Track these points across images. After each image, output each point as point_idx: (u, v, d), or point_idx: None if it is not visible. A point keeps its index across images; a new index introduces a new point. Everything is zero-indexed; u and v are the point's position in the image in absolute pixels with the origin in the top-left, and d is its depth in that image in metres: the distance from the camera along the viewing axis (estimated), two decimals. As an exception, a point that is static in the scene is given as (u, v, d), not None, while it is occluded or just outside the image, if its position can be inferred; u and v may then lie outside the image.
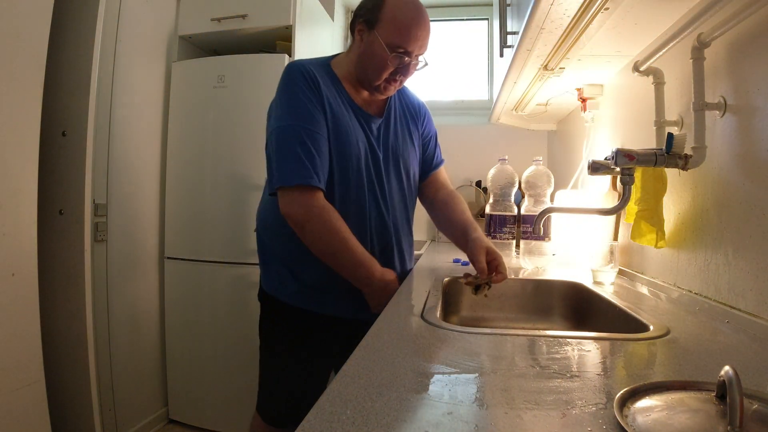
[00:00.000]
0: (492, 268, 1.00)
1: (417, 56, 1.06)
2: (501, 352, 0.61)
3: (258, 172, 1.87)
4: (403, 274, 1.20)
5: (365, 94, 1.13)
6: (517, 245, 1.44)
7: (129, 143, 1.89)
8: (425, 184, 1.28)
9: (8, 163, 1.22)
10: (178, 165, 2.02)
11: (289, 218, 0.98)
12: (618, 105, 1.37)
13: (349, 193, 1.07)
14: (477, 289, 1.01)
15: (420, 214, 2.63)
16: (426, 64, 1.11)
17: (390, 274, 1.05)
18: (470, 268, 1.06)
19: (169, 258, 2.07)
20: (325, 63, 1.13)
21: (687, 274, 0.93)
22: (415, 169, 1.22)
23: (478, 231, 1.09)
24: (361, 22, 1.06)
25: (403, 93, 1.24)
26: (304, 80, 1.03)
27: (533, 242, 1.36)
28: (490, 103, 2.54)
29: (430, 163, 1.28)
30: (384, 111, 1.17)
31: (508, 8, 1.38)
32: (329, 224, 0.98)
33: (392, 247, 1.16)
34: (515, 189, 1.41)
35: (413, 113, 1.24)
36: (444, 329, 0.69)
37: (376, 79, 1.06)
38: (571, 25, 1.04)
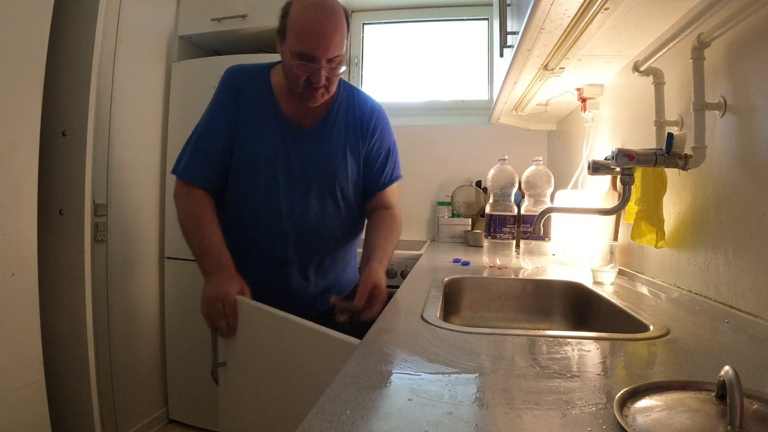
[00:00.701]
0: (369, 300, 0.93)
1: (329, 60, 0.99)
2: (501, 352, 0.61)
3: (258, 172, 1.86)
4: (317, 295, 1.17)
5: (300, 104, 1.08)
6: (517, 245, 1.44)
7: (129, 143, 1.89)
8: (369, 202, 1.20)
9: (8, 163, 1.22)
10: (178, 165, 2.02)
11: (174, 200, 1.10)
12: (618, 105, 1.37)
13: (257, 200, 1.10)
14: (341, 313, 0.92)
15: (420, 214, 2.64)
16: (345, 69, 1.05)
17: (227, 286, 0.94)
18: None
19: (169, 258, 2.07)
20: (264, 69, 1.13)
21: (687, 274, 0.93)
22: (345, 185, 1.14)
23: (382, 262, 1.03)
24: (277, 32, 1.04)
25: (357, 102, 1.17)
26: (225, 88, 1.11)
27: (533, 242, 1.36)
28: (490, 103, 2.54)
29: (376, 181, 1.19)
30: (318, 121, 1.12)
31: (508, 8, 1.38)
32: (191, 209, 1.06)
33: (290, 263, 1.12)
34: (515, 189, 1.41)
35: (360, 127, 1.16)
36: (444, 329, 0.69)
37: (295, 88, 1.03)
38: (571, 25, 1.03)
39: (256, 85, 1.10)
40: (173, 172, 1.11)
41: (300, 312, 0.86)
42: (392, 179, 1.23)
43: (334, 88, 1.08)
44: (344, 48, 1.03)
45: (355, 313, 0.92)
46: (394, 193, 1.24)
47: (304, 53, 0.97)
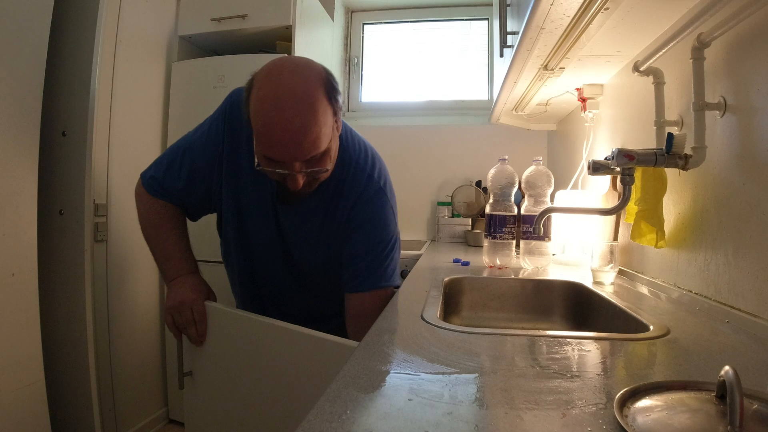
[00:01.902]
0: None
1: (306, 161, 0.79)
2: (501, 352, 0.61)
3: (258, 172, 1.87)
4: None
5: None
6: (517, 245, 1.44)
7: (129, 143, 1.89)
8: (346, 297, 0.99)
9: (8, 163, 1.22)
10: (178, 165, 2.03)
11: (135, 198, 1.03)
12: (618, 105, 1.37)
13: (243, 255, 1.04)
14: None
15: (420, 214, 2.63)
16: (327, 170, 0.85)
17: (194, 292, 0.91)
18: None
19: (169, 258, 2.07)
20: None
21: (687, 274, 0.93)
22: (317, 268, 1.02)
23: None
24: (245, 114, 0.83)
25: (344, 196, 0.95)
26: (223, 120, 0.96)
27: (533, 242, 1.36)
28: (490, 103, 2.54)
29: (348, 277, 0.97)
30: (300, 199, 0.96)
31: (508, 8, 1.38)
32: (148, 213, 0.99)
33: (274, 315, 1.03)
34: (515, 189, 1.41)
35: (340, 213, 0.96)
36: (444, 329, 0.69)
37: (276, 182, 0.88)
38: (571, 26, 1.04)
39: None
40: (143, 173, 1.01)
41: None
42: (372, 285, 0.96)
43: (324, 178, 0.89)
44: (328, 139, 0.80)
45: None
46: (374, 302, 0.95)
47: (267, 156, 0.79)
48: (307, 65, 0.81)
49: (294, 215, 0.97)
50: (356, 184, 0.95)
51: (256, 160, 0.83)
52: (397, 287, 1.01)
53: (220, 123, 0.96)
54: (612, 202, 1.30)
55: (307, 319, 1.04)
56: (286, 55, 1.03)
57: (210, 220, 1.15)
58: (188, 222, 1.06)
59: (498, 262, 1.38)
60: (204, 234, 1.24)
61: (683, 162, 0.87)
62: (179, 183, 0.98)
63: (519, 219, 1.40)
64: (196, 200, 1.01)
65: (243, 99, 0.82)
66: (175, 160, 0.98)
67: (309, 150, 0.78)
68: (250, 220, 1.00)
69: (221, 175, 0.98)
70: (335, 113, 0.83)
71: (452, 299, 1.15)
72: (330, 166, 0.85)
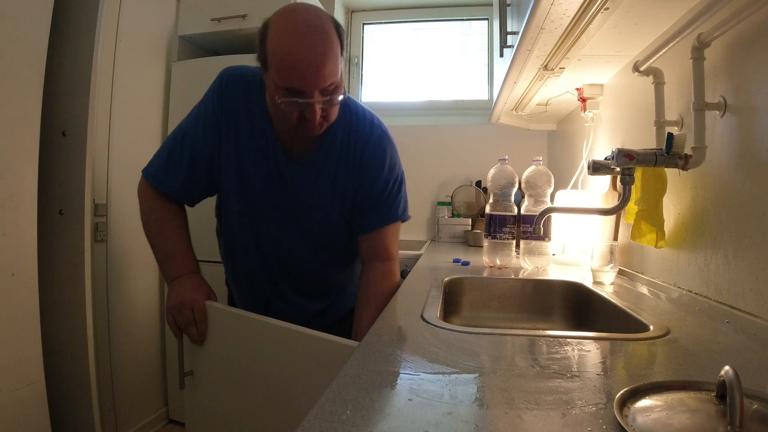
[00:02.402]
0: None
1: (322, 91, 0.84)
2: (501, 352, 0.61)
3: (258, 172, 1.87)
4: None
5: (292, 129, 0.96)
6: (517, 245, 1.44)
7: (129, 143, 1.89)
8: (359, 243, 1.05)
9: (8, 163, 1.22)
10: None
11: (138, 195, 1.02)
12: (618, 105, 1.37)
13: (243, 225, 1.03)
14: None
15: (420, 214, 2.63)
16: (344, 96, 0.91)
17: (195, 292, 0.91)
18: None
19: (169, 258, 2.07)
20: (260, 79, 0.97)
21: (687, 274, 0.93)
22: (328, 224, 1.04)
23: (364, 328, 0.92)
24: (257, 58, 0.89)
25: (355, 128, 1.01)
26: (215, 97, 0.98)
27: (533, 242, 1.36)
28: (490, 103, 2.54)
29: (361, 221, 1.03)
30: (310, 150, 0.99)
31: (508, 8, 1.38)
32: (151, 210, 0.99)
33: (278, 291, 1.06)
34: (515, 189, 1.41)
35: (353, 160, 1.00)
36: (444, 329, 0.69)
37: (288, 123, 0.89)
38: (571, 25, 1.04)
39: (249, 99, 0.98)
40: (144, 169, 1.01)
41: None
42: (384, 221, 1.03)
43: (335, 116, 0.93)
44: (339, 71, 0.87)
45: None
46: (388, 238, 1.04)
47: (290, 89, 0.83)
48: (317, 7, 0.90)
49: (304, 172, 0.99)
50: (362, 131, 1.01)
51: (274, 96, 0.86)
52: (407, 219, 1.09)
53: (216, 98, 0.99)
54: (612, 202, 1.30)
55: (317, 291, 1.10)
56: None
57: (210, 220, 1.15)
58: (188, 222, 1.06)
59: (498, 262, 1.38)
60: (204, 234, 1.23)
61: (683, 162, 0.87)
62: (182, 167, 0.98)
63: (519, 219, 1.40)
64: (200, 182, 1.01)
65: (257, 45, 0.87)
66: (175, 147, 0.99)
67: (328, 77, 0.83)
68: (255, 186, 0.99)
69: (221, 149, 0.98)
70: (341, 53, 0.88)
71: (452, 299, 1.15)
72: (342, 94, 0.90)
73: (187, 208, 1.06)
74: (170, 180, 0.98)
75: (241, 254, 1.07)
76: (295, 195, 1.00)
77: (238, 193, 1.00)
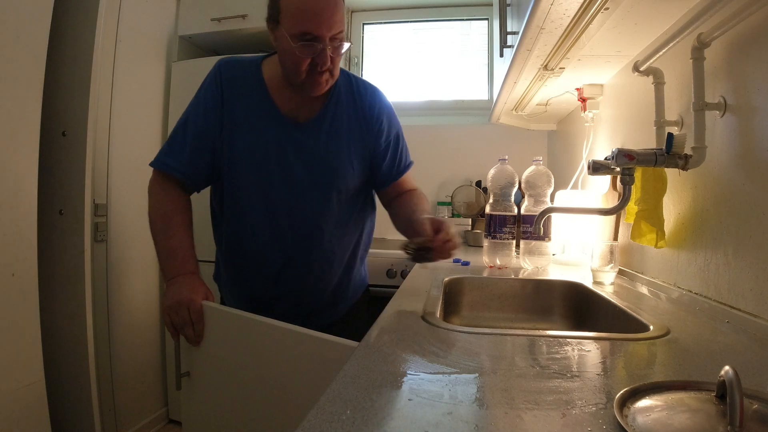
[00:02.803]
0: (437, 236, 0.89)
1: (331, 38, 0.91)
2: (501, 352, 0.61)
3: (258, 172, 1.87)
4: (327, 300, 1.13)
5: (296, 96, 1.02)
6: (517, 245, 1.44)
7: (129, 143, 1.89)
8: (385, 193, 1.16)
9: (8, 163, 1.22)
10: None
11: (148, 191, 1.05)
12: (618, 105, 1.37)
13: (252, 200, 1.04)
14: (416, 255, 0.88)
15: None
16: (350, 44, 0.99)
17: (192, 293, 0.91)
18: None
19: (169, 258, 2.07)
20: (255, 62, 1.06)
21: (687, 274, 0.93)
22: (347, 182, 1.07)
23: (426, 212, 1.01)
24: (268, 19, 0.96)
25: (357, 89, 1.09)
26: (213, 79, 1.04)
27: (533, 242, 1.36)
28: (490, 103, 2.54)
29: (388, 173, 1.13)
30: (316, 113, 1.04)
31: (508, 8, 1.38)
32: (163, 206, 1.01)
33: (288, 266, 1.07)
34: (515, 189, 1.41)
35: (364, 117, 1.08)
36: (444, 329, 0.69)
37: (296, 76, 0.95)
38: (571, 25, 1.04)
39: (247, 77, 1.04)
40: (151, 162, 1.04)
41: (306, 323, 0.82)
42: (406, 166, 1.17)
43: (337, 72, 1.00)
44: (345, 22, 0.95)
45: (430, 248, 0.87)
46: (410, 178, 1.19)
47: (305, 33, 0.89)
48: None
49: (314, 134, 1.04)
50: (366, 86, 1.11)
51: (287, 46, 0.92)
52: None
53: (213, 82, 1.04)
54: (612, 202, 1.30)
55: (327, 264, 1.10)
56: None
57: (209, 219, 1.15)
58: (192, 222, 1.06)
59: (498, 262, 1.38)
60: (204, 234, 1.23)
61: (683, 162, 0.87)
62: (185, 149, 1.02)
63: (519, 219, 1.40)
64: (204, 163, 1.04)
65: (267, 4, 0.95)
66: (177, 134, 1.04)
67: (338, 23, 0.91)
68: (266, 154, 1.02)
69: (223, 128, 1.02)
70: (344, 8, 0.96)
71: (452, 299, 1.15)
72: (347, 43, 0.96)
73: (207, 209, 1.10)
74: (174, 161, 1.02)
75: (250, 231, 1.06)
76: (307, 158, 1.04)
77: (247, 168, 1.03)
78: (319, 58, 0.92)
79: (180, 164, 1.02)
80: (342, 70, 1.07)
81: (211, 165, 1.04)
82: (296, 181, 1.04)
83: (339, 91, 1.06)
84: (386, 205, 1.18)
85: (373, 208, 1.21)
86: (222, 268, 1.16)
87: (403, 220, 1.06)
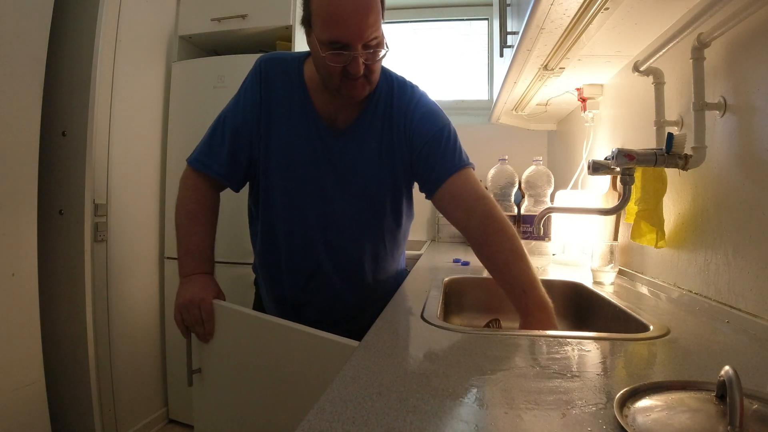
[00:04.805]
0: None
1: (365, 45, 0.86)
2: (501, 352, 0.61)
3: (258, 172, 1.87)
4: (363, 314, 1.05)
5: (334, 100, 0.98)
6: (517, 245, 1.44)
7: (129, 143, 1.89)
8: (438, 198, 1.00)
9: (8, 163, 1.22)
10: (178, 165, 2.02)
11: (179, 183, 1.04)
12: (618, 105, 1.37)
13: (289, 204, 1.01)
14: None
15: (420, 214, 2.63)
16: (387, 51, 0.91)
17: (203, 292, 0.91)
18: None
19: (169, 258, 2.07)
20: (297, 59, 1.02)
21: (687, 274, 0.93)
22: (385, 189, 1.03)
23: (544, 301, 0.83)
24: (302, 22, 0.92)
25: (396, 91, 1.02)
26: (254, 77, 1.01)
27: (533, 242, 1.36)
28: (490, 103, 2.54)
29: (429, 174, 1.00)
30: (353, 119, 1.00)
31: (508, 8, 1.38)
32: (187, 200, 1.01)
33: (323, 272, 1.03)
34: (515, 189, 1.41)
35: (396, 127, 1.01)
36: (444, 329, 0.69)
37: (331, 83, 0.91)
38: (571, 25, 1.04)
39: (288, 77, 1.00)
40: (187, 159, 1.03)
41: (333, 329, 0.80)
42: (456, 166, 0.98)
43: (377, 77, 0.94)
44: (381, 27, 0.88)
45: None
46: (469, 183, 0.98)
47: (335, 41, 0.85)
48: None
49: (348, 142, 1.00)
50: (404, 95, 1.03)
51: (319, 54, 0.88)
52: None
53: (254, 80, 1.01)
54: (612, 202, 1.30)
55: (357, 274, 1.06)
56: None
57: (222, 221, 1.13)
58: (217, 223, 1.07)
59: (498, 262, 1.37)
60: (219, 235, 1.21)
61: (683, 162, 0.87)
62: (224, 149, 1.00)
63: (519, 219, 1.40)
64: (242, 163, 1.02)
65: (302, 7, 0.90)
66: (216, 132, 1.02)
67: (370, 30, 0.85)
68: (300, 160, 1.00)
69: (260, 128, 1.00)
70: (383, 11, 0.91)
71: (452, 299, 1.15)
72: (384, 50, 0.90)
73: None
74: (213, 162, 1.00)
75: (281, 235, 1.04)
76: (340, 165, 1.00)
77: (281, 169, 1.01)
78: (351, 67, 0.87)
79: (218, 165, 1.00)
80: (384, 72, 1.02)
81: (248, 165, 1.03)
82: (326, 189, 1.01)
83: (377, 100, 1.01)
84: (461, 228, 0.98)
85: (410, 216, 1.14)
86: (258, 267, 1.15)
87: (507, 286, 0.88)
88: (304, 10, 0.89)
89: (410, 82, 1.07)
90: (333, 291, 1.05)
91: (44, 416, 1.30)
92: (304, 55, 1.03)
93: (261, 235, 1.07)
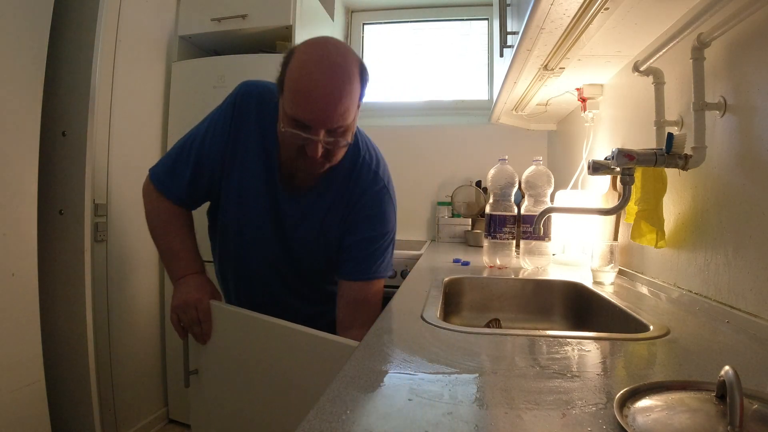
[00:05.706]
0: None
1: (328, 132, 0.82)
2: (501, 352, 0.61)
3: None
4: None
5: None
6: (517, 245, 1.44)
7: (129, 143, 1.89)
8: (339, 285, 1.01)
9: (8, 163, 1.22)
10: (178, 165, 2.03)
11: (143, 194, 1.03)
12: (618, 105, 1.37)
13: (243, 241, 1.02)
14: None
15: (420, 214, 2.63)
16: (347, 144, 0.87)
17: (199, 292, 0.92)
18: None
19: (169, 258, 2.07)
20: (275, 102, 0.94)
21: (687, 274, 0.93)
22: (312, 259, 1.03)
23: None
24: (277, 81, 0.87)
25: (355, 181, 0.98)
26: (229, 109, 0.97)
27: (533, 242, 1.36)
28: (490, 103, 2.54)
29: (345, 264, 0.99)
30: (308, 186, 0.97)
31: (508, 8, 1.38)
32: (156, 211, 0.99)
33: (272, 296, 1.06)
34: (515, 189, 1.41)
35: (345, 207, 0.98)
36: (444, 329, 0.69)
37: (287, 154, 0.88)
38: (571, 25, 1.04)
39: (262, 118, 0.96)
40: (151, 168, 1.01)
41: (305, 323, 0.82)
42: (364, 274, 0.98)
43: (339, 158, 0.90)
44: (353, 116, 0.85)
45: None
46: (375, 291, 1.00)
47: (297, 120, 0.80)
48: (348, 47, 0.87)
49: (298, 203, 0.98)
50: (363, 179, 0.98)
51: (280, 124, 0.85)
52: (391, 277, 1.07)
53: (229, 111, 0.97)
54: (612, 202, 1.30)
55: (311, 299, 1.08)
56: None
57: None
58: (193, 222, 1.06)
59: (498, 262, 1.38)
60: (206, 234, 1.23)
61: (683, 162, 0.87)
62: (185, 175, 0.98)
63: (519, 219, 1.40)
64: (201, 190, 1.01)
65: (280, 66, 0.85)
66: (182, 152, 0.99)
67: (337, 119, 0.81)
68: (249, 209, 0.99)
69: (224, 165, 0.98)
70: (360, 98, 0.86)
71: (452, 299, 1.15)
72: (349, 140, 0.87)
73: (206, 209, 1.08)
74: (175, 187, 0.99)
75: (233, 260, 1.07)
76: (285, 225, 1.00)
77: (235, 209, 1.00)
78: (309, 149, 0.83)
79: (178, 188, 0.98)
80: (358, 145, 0.98)
81: (207, 192, 1.02)
82: (270, 240, 1.00)
83: (339, 172, 0.96)
84: (337, 317, 1.01)
85: None
86: (217, 267, 1.16)
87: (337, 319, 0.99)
88: (281, 71, 0.85)
89: (377, 168, 1.00)
90: (288, 307, 1.06)
91: (44, 416, 1.30)
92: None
93: (219, 246, 1.09)
